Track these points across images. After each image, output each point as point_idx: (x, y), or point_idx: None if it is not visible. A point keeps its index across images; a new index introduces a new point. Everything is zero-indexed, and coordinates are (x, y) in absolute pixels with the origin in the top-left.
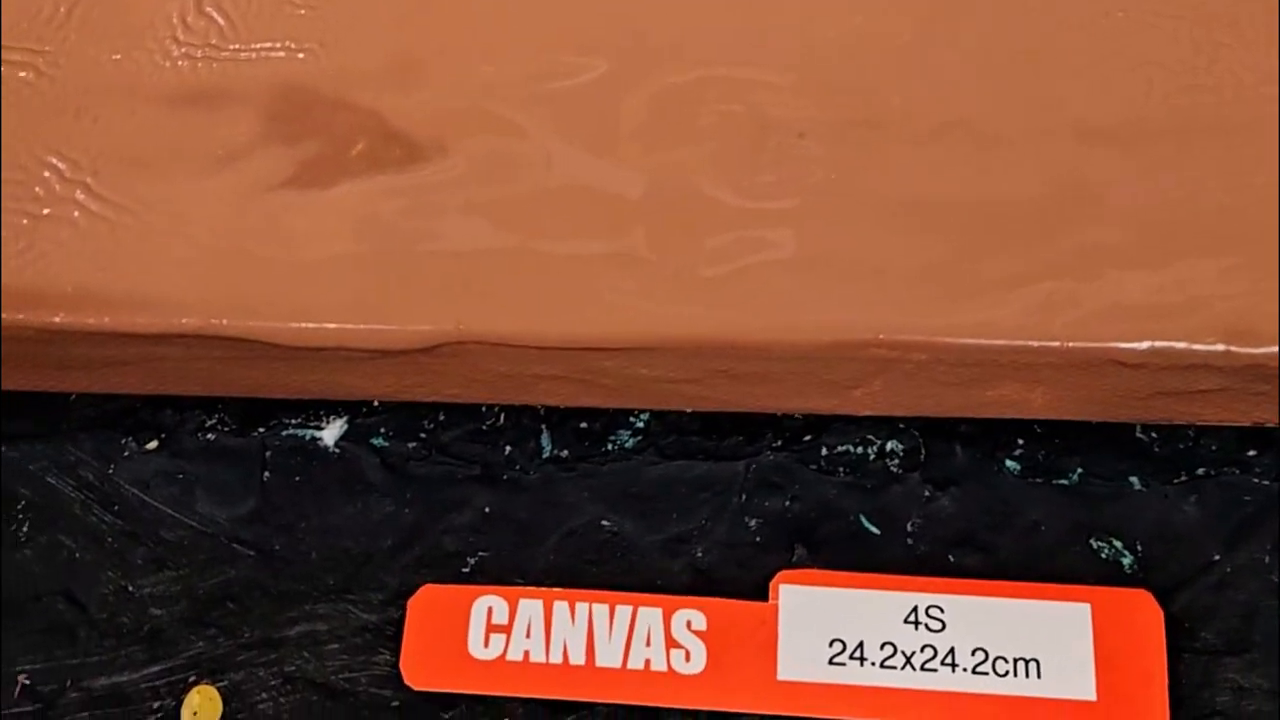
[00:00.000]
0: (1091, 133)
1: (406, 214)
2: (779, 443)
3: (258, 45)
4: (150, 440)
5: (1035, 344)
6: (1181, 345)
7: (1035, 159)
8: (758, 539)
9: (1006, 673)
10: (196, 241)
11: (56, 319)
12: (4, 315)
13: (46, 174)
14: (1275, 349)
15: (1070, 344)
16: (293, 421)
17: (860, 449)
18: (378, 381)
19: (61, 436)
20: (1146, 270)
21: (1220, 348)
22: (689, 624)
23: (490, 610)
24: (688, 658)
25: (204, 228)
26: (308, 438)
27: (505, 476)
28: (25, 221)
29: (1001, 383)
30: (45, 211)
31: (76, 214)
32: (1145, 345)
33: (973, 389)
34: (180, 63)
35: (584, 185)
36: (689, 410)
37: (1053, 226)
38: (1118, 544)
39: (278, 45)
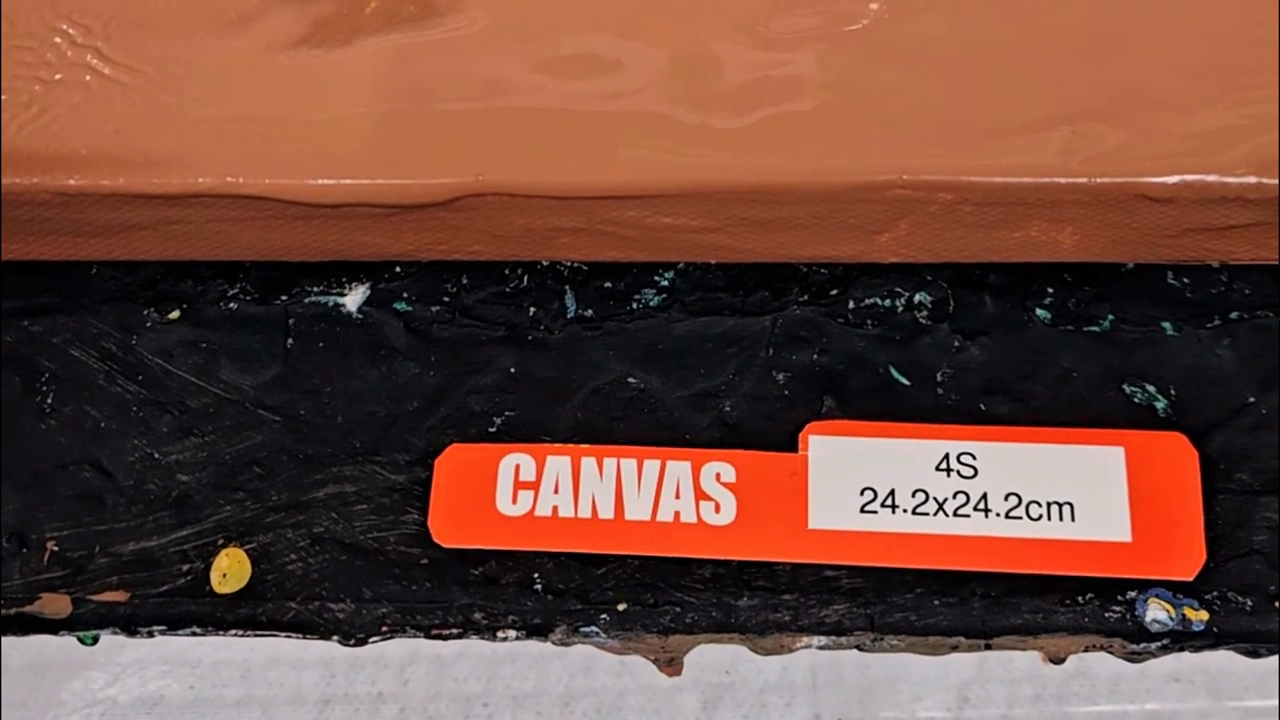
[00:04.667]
0: None
1: (422, 71)
2: (805, 297)
3: None
4: (172, 311)
5: (1062, 181)
6: (1212, 178)
7: (1061, 1)
8: (786, 392)
9: (1040, 516)
10: (211, 102)
11: (72, 181)
12: (20, 180)
13: (58, 40)
14: None
15: (1098, 180)
16: (315, 289)
17: (888, 301)
18: (398, 240)
19: (83, 310)
20: (1175, 107)
21: (1251, 179)
22: (718, 476)
23: (518, 467)
24: (717, 509)
25: (218, 88)
26: (330, 304)
27: (530, 337)
28: (38, 88)
29: (1029, 223)
30: (57, 77)
31: (89, 78)
32: (1174, 179)
33: (1000, 230)
34: None
35: (602, 40)
36: (713, 263)
37: (1079, 67)
38: (1151, 389)
39: None
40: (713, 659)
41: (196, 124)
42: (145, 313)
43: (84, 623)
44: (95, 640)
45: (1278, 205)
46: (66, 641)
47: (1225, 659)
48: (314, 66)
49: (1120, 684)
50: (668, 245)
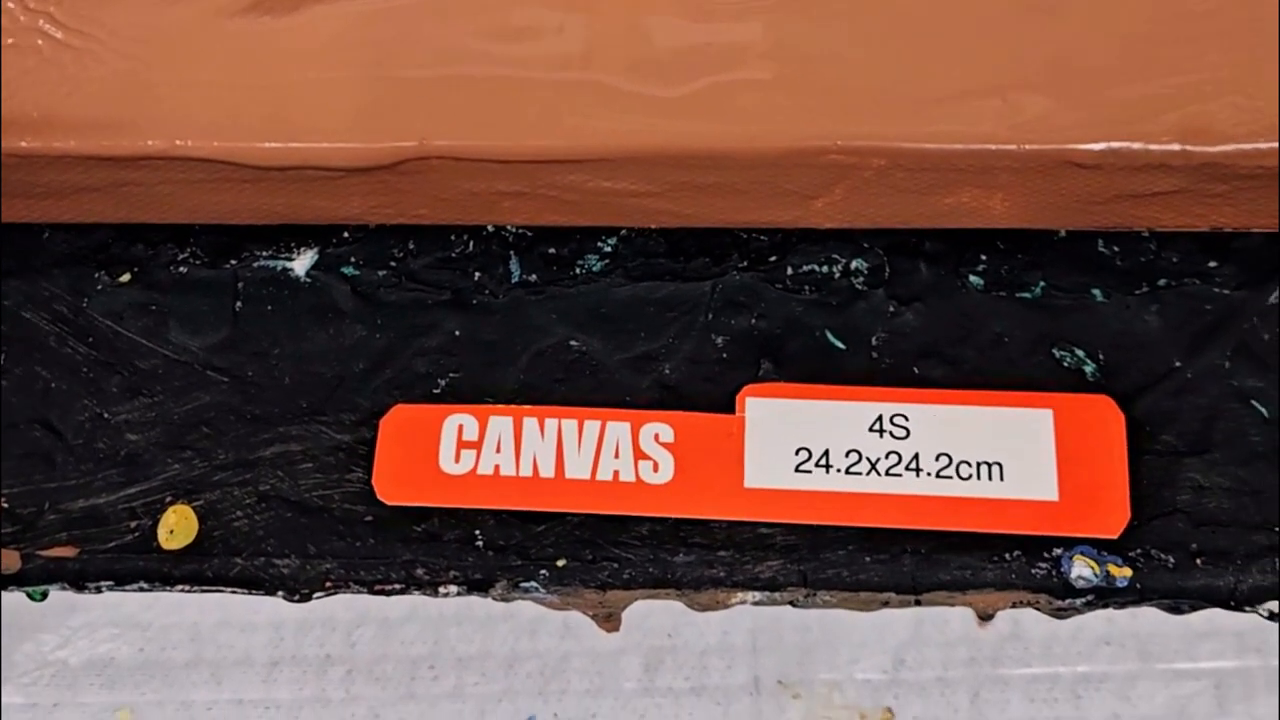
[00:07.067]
0: None
1: (369, 38)
2: (744, 263)
3: None
4: (123, 274)
5: (993, 147)
6: (1137, 145)
7: None
8: (724, 355)
9: (970, 476)
10: (162, 67)
11: (23, 143)
12: None
13: (10, 4)
14: (1230, 147)
15: (1027, 146)
16: (264, 253)
17: (825, 268)
18: (345, 203)
19: (34, 272)
20: (1104, 77)
21: (1176, 147)
22: (657, 436)
23: (461, 427)
24: (656, 468)
25: (169, 53)
26: (279, 268)
27: (475, 301)
28: None
29: (961, 189)
30: (10, 41)
31: (40, 42)
32: (1101, 146)
33: (932, 196)
34: None
35: (547, 10)
36: (655, 230)
37: (1011, 36)
38: (1080, 353)
39: None
40: (655, 622)
41: (147, 88)
42: (96, 275)
43: (33, 578)
44: (44, 596)
45: (1201, 171)
46: (17, 603)
47: (1154, 623)
48: (263, 32)
49: (1053, 646)
50: (610, 210)
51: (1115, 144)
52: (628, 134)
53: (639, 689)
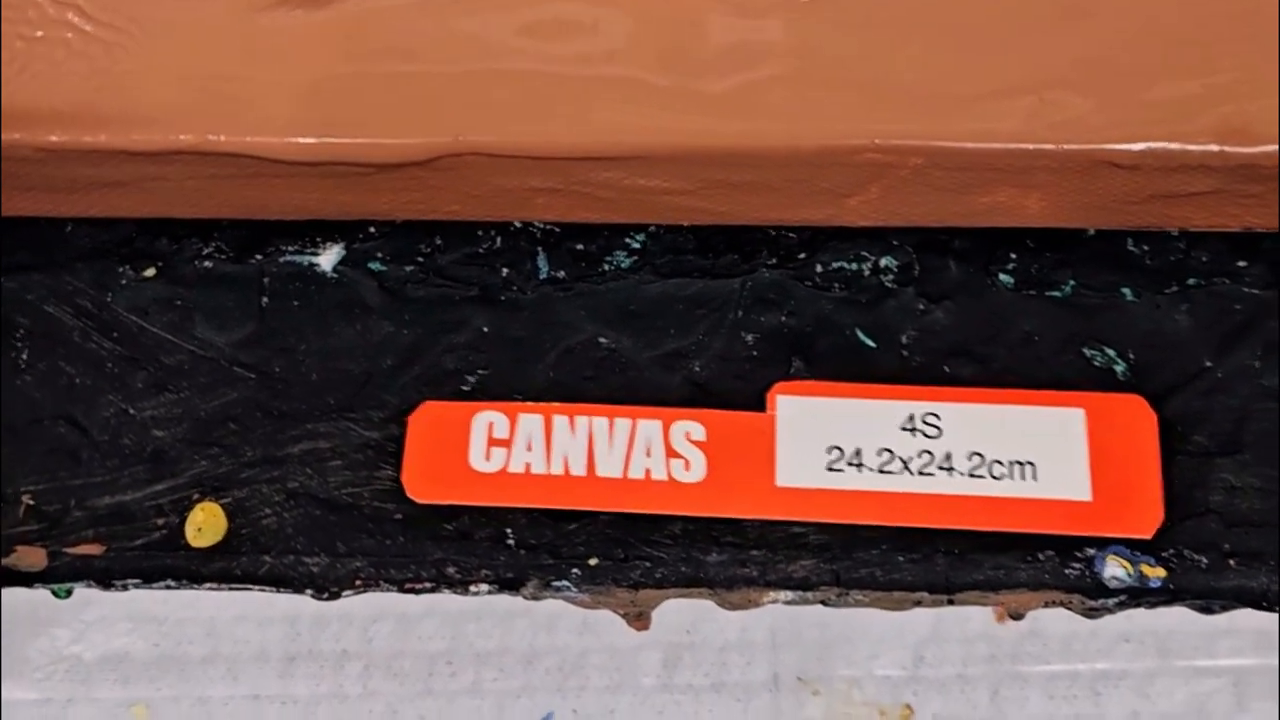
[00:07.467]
0: None
1: (404, 33)
2: (774, 260)
3: None
4: (148, 268)
5: (1030, 147)
6: (1175, 146)
7: None
8: (754, 353)
9: (1003, 475)
10: (192, 61)
11: (53, 137)
12: (2, 135)
13: None
14: (1268, 148)
15: (1065, 146)
16: (290, 248)
17: (855, 265)
18: (376, 199)
19: (58, 267)
20: (1141, 77)
21: (1214, 148)
22: (688, 435)
23: (491, 425)
24: (687, 467)
25: (199, 47)
26: (305, 264)
27: (503, 297)
28: (20, 44)
29: (997, 188)
30: (39, 34)
31: (70, 35)
32: (1140, 146)
33: (968, 195)
34: None
35: (580, 5)
36: (684, 226)
37: (1048, 35)
38: (1111, 352)
39: None
40: (674, 619)
41: (178, 81)
42: (120, 270)
43: (59, 575)
44: (69, 593)
45: (1238, 173)
46: (34, 597)
47: (1174, 621)
48: (295, 26)
49: (1072, 644)
50: (642, 207)
51: (1154, 144)
52: (664, 131)
53: (658, 685)
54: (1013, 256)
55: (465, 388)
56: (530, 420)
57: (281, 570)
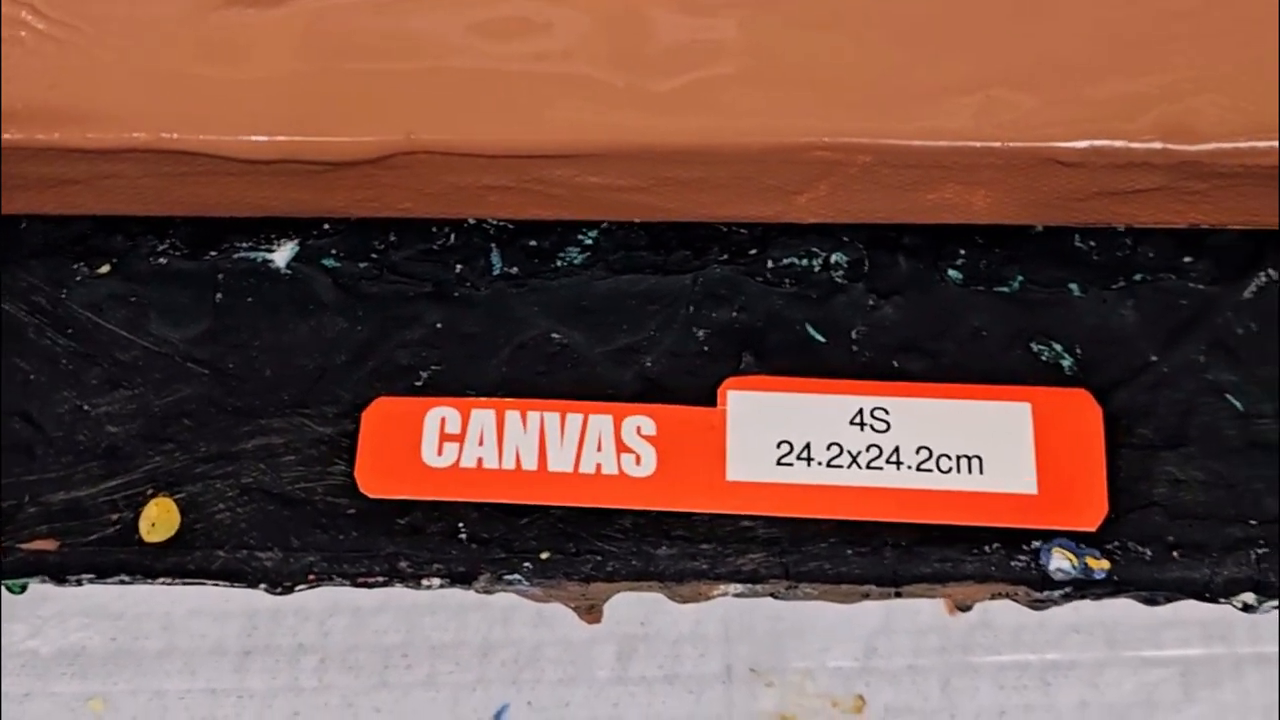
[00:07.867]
0: None
1: (357, 31)
2: (725, 256)
3: None
4: (102, 265)
5: (977, 145)
6: (1119, 144)
7: None
8: (705, 348)
9: (950, 469)
10: (146, 60)
11: (7, 135)
12: None
13: None
14: (1212, 146)
15: (1010, 144)
16: (244, 245)
17: (805, 261)
18: (330, 196)
19: (13, 264)
20: (1087, 75)
21: (1158, 145)
22: (639, 429)
23: (443, 420)
24: (638, 461)
25: (153, 46)
26: (259, 260)
27: (456, 294)
28: None
29: (944, 186)
30: None
31: (24, 34)
32: (1084, 144)
33: (915, 192)
34: None
35: (531, 3)
36: (636, 222)
37: (995, 34)
38: (1057, 347)
39: None
40: (628, 612)
41: (132, 80)
42: (75, 266)
43: (13, 571)
44: (23, 589)
45: (1181, 170)
46: None
47: (1121, 612)
48: (249, 24)
49: (1022, 635)
50: (594, 204)
51: (1097, 142)
52: (615, 129)
53: (612, 678)
54: (962, 252)
55: (418, 383)
56: (483, 415)
57: (235, 565)
